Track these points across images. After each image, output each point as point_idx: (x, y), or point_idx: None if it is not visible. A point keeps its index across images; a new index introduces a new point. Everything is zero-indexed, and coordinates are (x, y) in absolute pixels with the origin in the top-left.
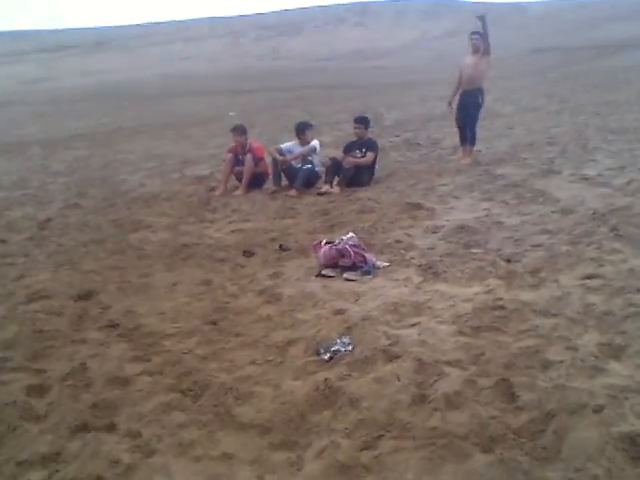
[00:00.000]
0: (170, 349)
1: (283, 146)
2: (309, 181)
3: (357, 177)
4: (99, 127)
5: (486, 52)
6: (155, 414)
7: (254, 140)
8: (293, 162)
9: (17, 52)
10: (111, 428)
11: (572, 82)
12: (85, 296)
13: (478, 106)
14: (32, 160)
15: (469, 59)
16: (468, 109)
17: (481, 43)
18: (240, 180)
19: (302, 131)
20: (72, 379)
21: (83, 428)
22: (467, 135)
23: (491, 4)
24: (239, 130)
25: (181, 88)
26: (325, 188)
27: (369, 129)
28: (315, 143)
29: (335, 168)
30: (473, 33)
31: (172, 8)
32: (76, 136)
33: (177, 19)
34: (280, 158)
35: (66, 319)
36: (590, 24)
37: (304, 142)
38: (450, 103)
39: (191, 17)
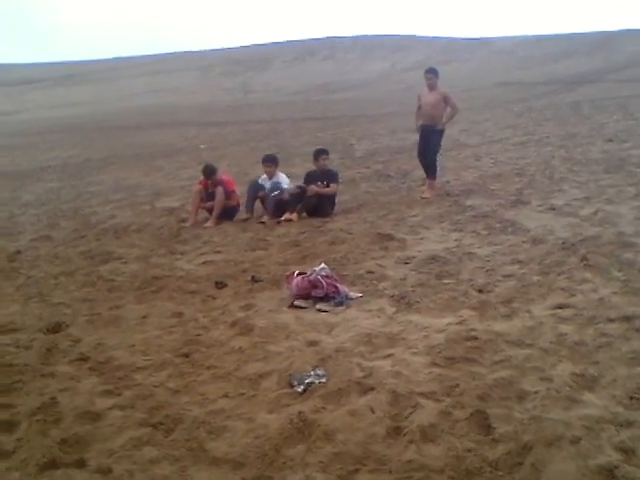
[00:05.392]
0: (141, 382)
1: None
2: (279, 208)
3: (319, 207)
4: (69, 159)
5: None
6: (126, 449)
7: (224, 172)
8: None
9: None
10: (81, 464)
11: (536, 115)
12: (55, 329)
13: (439, 135)
14: (1, 192)
15: (429, 97)
16: (429, 139)
17: (435, 82)
18: (211, 213)
19: (270, 163)
20: (41, 414)
21: (52, 464)
22: (429, 167)
23: (457, 39)
24: (209, 171)
25: (150, 120)
26: (285, 216)
27: (342, 160)
28: (285, 178)
29: (300, 197)
30: (427, 72)
31: (136, 44)
32: (46, 168)
33: (142, 54)
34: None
35: (35, 353)
36: (551, 58)
37: (271, 174)
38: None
39: (157, 52)
